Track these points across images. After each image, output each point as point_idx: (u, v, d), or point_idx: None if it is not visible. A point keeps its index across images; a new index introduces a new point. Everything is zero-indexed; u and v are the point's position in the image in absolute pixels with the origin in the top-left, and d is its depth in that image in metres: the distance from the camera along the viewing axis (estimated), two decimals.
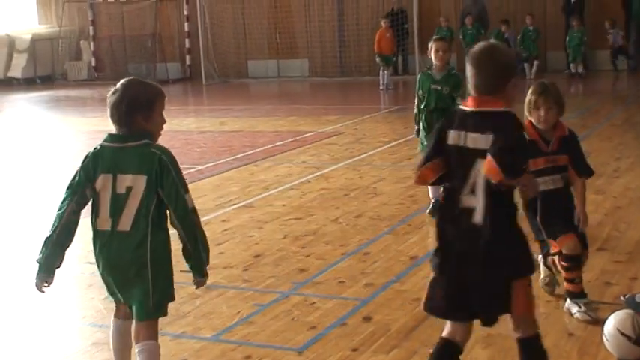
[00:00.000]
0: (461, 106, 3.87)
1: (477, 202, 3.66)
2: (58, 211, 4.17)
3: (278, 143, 12.46)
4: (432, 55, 8.05)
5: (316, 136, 12.99)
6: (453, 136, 3.75)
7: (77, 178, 4.11)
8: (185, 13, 25.59)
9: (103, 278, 4.20)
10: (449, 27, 21.75)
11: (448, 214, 3.80)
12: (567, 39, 20.54)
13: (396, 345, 4.92)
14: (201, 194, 9.23)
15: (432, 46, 8.03)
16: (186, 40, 25.31)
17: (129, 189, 3.99)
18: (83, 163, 4.11)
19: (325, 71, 24.13)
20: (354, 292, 5.80)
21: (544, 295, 5.47)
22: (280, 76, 24.63)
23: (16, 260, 7.11)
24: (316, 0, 24.43)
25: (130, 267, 4.07)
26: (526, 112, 5.19)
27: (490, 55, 3.78)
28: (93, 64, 27.57)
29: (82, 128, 15.80)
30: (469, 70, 3.78)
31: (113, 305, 4.28)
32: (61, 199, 4.15)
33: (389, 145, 11.86)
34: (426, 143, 7.81)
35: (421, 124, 8.00)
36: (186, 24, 25.58)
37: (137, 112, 4.07)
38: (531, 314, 3.81)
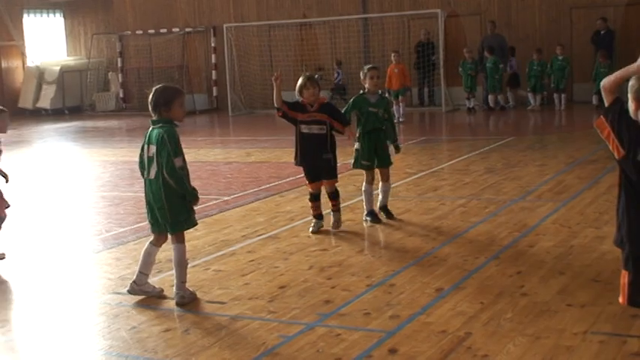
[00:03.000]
0: None
1: None
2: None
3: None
4: (367, 81, 8.99)
5: (341, 167, 12.96)
6: None
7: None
8: (212, 45, 25.87)
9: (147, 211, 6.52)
10: (473, 59, 21.79)
11: None
12: (595, 71, 20.49)
13: None
14: (227, 225, 9.26)
15: (366, 73, 9.00)
16: (213, 72, 25.55)
17: (152, 154, 6.30)
18: None
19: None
20: (379, 324, 5.77)
21: None
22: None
23: (42, 290, 7.15)
24: (342, 32, 24.61)
25: (156, 201, 6.36)
26: None
27: None
28: (121, 95, 27.88)
29: (109, 159, 15.96)
30: None
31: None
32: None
33: (414, 177, 11.85)
34: (363, 162, 8.91)
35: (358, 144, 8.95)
36: (213, 56, 25.85)
37: (159, 107, 6.36)
38: None
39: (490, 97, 21.60)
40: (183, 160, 6.26)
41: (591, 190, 10.21)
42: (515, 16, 22.60)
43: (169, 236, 6.53)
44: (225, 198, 10.89)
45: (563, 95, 20.87)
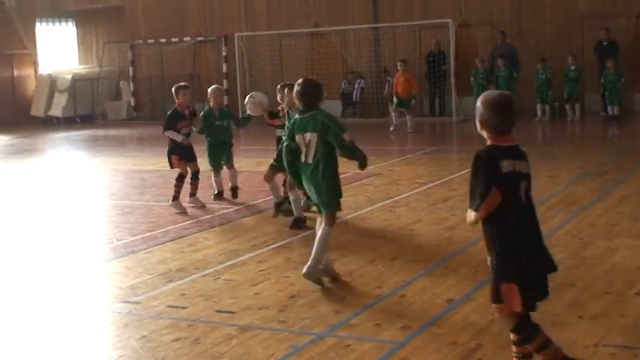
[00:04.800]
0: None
1: None
2: None
3: None
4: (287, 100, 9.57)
5: (352, 177, 12.98)
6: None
7: None
8: (224, 54, 25.94)
9: None
10: (485, 68, 21.78)
11: None
12: (602, 80, 20.46)
13: None
14: (237, 234, 9.27)
15: (287, 91, 9.56)
16: (225, 81, 25.59)
17: (309, 140, 6.98)
18: None
19: (362, 112, 24.21)
20: (390, 334, 5.76)
21: None
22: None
23: (52, 298, 7.17)
24: (353, 42, 24.64)
25: (314, 183, 7.07)
26: None
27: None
28: (132, 104, 27.97)
29: (120, 167, 16.00)
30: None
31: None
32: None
33: (425, 187, 11.84)
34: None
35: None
36: (224, 65, 25.91)
37: (311, 98, 7.01)
38: None
39: None
40: (349, 133, 6.94)
41: (602, 201, 10.18)
42: (526, 26, 22.58)
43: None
44: (236, 207, 10.89)
45: (577, 105, 20.82)
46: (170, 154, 10.81)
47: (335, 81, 24.31)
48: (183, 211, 10.57)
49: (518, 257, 4.61)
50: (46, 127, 26.38)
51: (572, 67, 20.81)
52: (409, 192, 11.42)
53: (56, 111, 27.62)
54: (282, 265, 7.85)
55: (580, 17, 21.98)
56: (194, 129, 10.99)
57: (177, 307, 6.59)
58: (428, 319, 6.04)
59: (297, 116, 7.14)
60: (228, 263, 7.97)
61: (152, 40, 27.15)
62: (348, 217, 9.98)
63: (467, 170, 13.75)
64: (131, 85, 28.03)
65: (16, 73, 28.34)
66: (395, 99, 20.31)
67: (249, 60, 25.42)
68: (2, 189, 14.19)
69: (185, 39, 26.69)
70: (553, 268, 4.81)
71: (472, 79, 21.75)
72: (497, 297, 4.61)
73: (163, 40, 26.91)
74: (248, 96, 10.75)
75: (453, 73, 22.18)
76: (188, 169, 10.77)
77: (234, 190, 11.42)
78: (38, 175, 15.70)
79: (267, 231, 9.40)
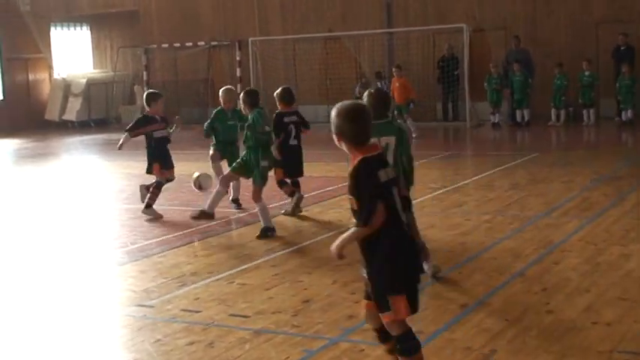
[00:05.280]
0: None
1: None
2: None
3: (328, 188, 12.49)
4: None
5: None
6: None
7: None
8: (237, 58, 25.98)
9: None
10: (499, 73, 21.73)
11: None
12: (617, 85, 20.38)
13: None
14: (251, 238, 9.28)
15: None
16: (239, 86, 25.61)
17: (385, 143, 6.91)
18: None
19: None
20: None
21: None
22: (330, 121, 24.68)
23: (66, 301, 7.19)
24: (367, 46, 24.65)
25: None
26: None
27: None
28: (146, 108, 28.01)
29: (133, 171, 16.03)
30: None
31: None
32: None
33: (439, 192, 11.82)
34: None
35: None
36: (238, 69, 25.94)
37: (389, 107, 7.30)
38: None
39: (517, 112, 21.51)
40: None
41: (617, 207, 10.14)
42: (540, 31, 22.53)
43: None
44: (250, 211, 10.90)
45: (591, 111, 20.75)
46: (153, 161, 10.80)
47: (348, 85, 24.29)
48: (158, 217, 10.61)
49: (402, 267, 4.61)
50: (60, 131, 26.50)
51: (587, 73, 20.73)
52: (423, 197, 11.40)
53: (70, 115, 27.73)
54: (296, 269, 7.85)
55: (594, 23, 21.91)
56: (170, 131, 10.99)
57: (191, 310, 6.61)
58: (441, 324, 6.02)
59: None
60: (242, 267, 7.98)
61: (166, 45, 27.23)
62: None
63: (481, 176, 13.79)
64: (145, 89, 28.07)
65: (30, 77, 28.49)
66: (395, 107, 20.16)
67: (263, 64, 25.46)
68: (17, 193, 14.26)
69: (199, 43, 26.76)
70: (421, 270, 4.99)
71: (486, 84, 21.72)
72: (385, 306, 4.62)
73: (177, 45, 26.99)
74: (197, 174, 10.67)
75: (466, 78, 22.14)
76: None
77: (236, 201, 11.26)
78: (52, 179, 15.77)
79: (280, 235, 9.40)
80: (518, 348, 5.47)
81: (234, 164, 10.04)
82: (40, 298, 7.37)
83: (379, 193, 4.52)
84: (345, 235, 4.65)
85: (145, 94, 11.08)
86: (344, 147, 4.70)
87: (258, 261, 8.20)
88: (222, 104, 11.24)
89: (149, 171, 10.89)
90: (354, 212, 4.59)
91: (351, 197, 4.58)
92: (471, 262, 7.85)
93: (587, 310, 6.18)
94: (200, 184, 10.58)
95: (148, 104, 10.93)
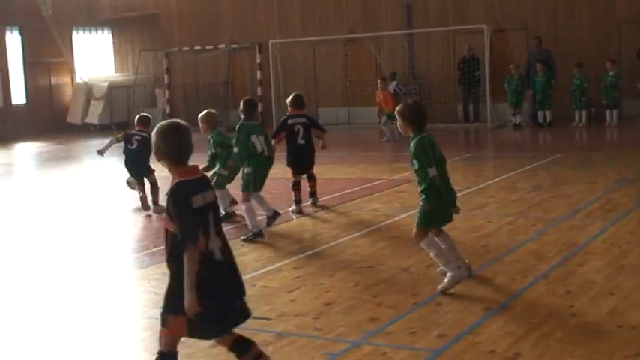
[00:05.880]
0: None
1: None
2: None
3: (349, 190, 12.48)
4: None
5: (387, 184, 12.97)
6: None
7: None
8: (257, 61, 26.03)
9: None
10: (520, 74, 21.62)
11: None
12: (639, 85, 20.23)
13: None
14: (273, 241, 9.29)
15: None
16: (259, 88, 25.68)
17: None
18: None
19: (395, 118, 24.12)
20: (426, 342, 5.73)
21: None
22: (350, 123, 24.76)
23: (89, 304, 7.22)
24: (387, 48, 24.61)
25: None
26: None
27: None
28: (167, 111, 28.14)
29: (156, 174, 16.08)
30: None
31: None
32: None
33: (460, 194, 11.67)
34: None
35: None
36: (258, 72, 26.00)
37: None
38: None
39: (539, 113, 21.39)
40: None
41: None
42: (562, 31, 22.40)
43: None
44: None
45: (614, 111, 20.60)
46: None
47: (368, 87, 24.27)
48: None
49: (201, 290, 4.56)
50: (82, 135, 26.65)
51: (611, 73, 20.56)
52: None
53: (92, 118, 27.88)
54: (318, 271, 7.84)
55: (617, 22, 21.75)
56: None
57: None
58: (465, 327, 6.00)
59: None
60: (264, 270, 7.99)
61: (187, 48, 27.33)
62: (383, 223, 9.97)
63: (502, 177, 13.68)
64: (166, 92, 28.22)
65: (53, 80, 28.67)
66: (384, 115, 20.14)
67: (283, 67, 25.49)
68: (39, 196, 14.35)
69: (219, 46, 26.83)
70: (243, 293, 4.88)
71: (506, 85, 21.62)
72: (164, 322, 4.76)
73: (198, 48, 27.08)
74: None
75: (487, 79, 22.04)
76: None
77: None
78: (75, 182, 15.85)
79: (302, 237, 9.41)
80: (543, 351, 5.43)
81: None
82: (63, 300, 7.40)
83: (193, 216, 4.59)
84: (186, 279, 4.51)
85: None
86: (165, 166, 4.72)
87: (280, 264, 8.20)
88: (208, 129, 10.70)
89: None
90: (170, 234, 4.61)
91: (167, 217, 4.63)
92: (493, 264, 7.82)
93: (612, 313, 6.13)
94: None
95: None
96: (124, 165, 12.18)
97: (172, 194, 4.60)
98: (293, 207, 10.91)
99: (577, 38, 22.20)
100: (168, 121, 4.83)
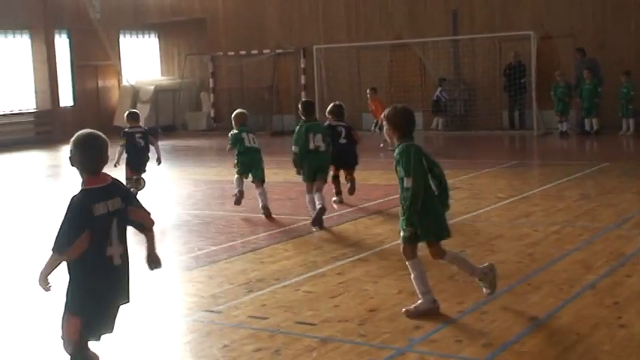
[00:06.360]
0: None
1: None
2: None
3: (392, 197, 12.41)
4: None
5: None
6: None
7: None
8: (302, 66, 26.12)
9: None
10: (566, 82, 21.39)
11: None
12: None
13: None
14: (317, 246, 9.31)
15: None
16: (303, 93, 25.74)
17: None
18: None
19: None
20: (472, 351, 5.69)
21: None
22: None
23: (134, 306, 7.29)
24: (432, 54, 24.53)
25: None
26: None
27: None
28: (212, 114, 28.35)
29: (200, 177, 16.24)
30: None
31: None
32: None
33: (506, 202, 11.68)
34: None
35: None
36: (302, 77, 26.08)
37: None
38: None
39: (586, 121, 21.15)
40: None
41: None
42: (610, 38, 22.12)
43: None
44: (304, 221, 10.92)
45: None
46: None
47: (413, 93, 24.21)
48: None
49: (88, 295, 4.87)
50: None
51: None
52: (489, 206, 11.29)
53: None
54: (362, 277, 7.84)
55: None
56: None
57: (257, 317, 6.64)
58: (511, 336, 5.94)
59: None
60: (308, 275, 8.00)
61: (232, 52, 27.51)
62: None
63: (549, 185, 13.55)
64: (211, 96, 28.43)
65: (100, 83, 29.06)
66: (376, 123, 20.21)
67: (327, 72, 25.52)
68: None
69: (264, 51, 26.96)
70: (128, 299, 5.26)
71: (552, 92, 21.40)
72: (62, 324, 4.92)
73: (243, 52, 27.25)
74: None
75: (534, 86, 21.84)
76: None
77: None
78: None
79: (346, 243, 9.41)
80: None
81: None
82: None
83: (86, 225, 4.72)
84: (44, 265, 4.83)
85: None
86: (77, 171, 4.87)
87: (324, 269, 8.20)
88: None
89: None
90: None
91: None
92: (539, 273, 7.73)
93: None
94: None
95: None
96: (127, 164, 12.47)
97: (72, 199, 4.79)
98: (334, 198, 11.99)
99: (625, 46, 21.91)
100: (87, 131, 4.95)
